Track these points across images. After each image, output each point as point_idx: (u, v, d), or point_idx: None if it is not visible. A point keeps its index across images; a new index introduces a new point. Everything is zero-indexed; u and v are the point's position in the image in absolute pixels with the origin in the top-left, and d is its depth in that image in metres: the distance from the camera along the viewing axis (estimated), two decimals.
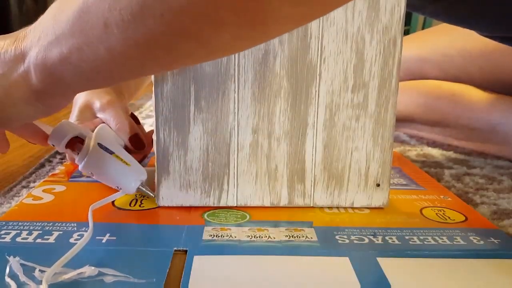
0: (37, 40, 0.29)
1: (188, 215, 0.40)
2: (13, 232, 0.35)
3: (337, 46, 0.39)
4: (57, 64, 0.29)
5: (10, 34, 0.33)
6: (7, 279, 0.28)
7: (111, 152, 0.40)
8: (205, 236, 0.36)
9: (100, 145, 0.40)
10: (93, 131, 0.43)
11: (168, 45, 0.25)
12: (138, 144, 0.47)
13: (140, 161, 0.46)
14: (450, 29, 0.77)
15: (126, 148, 0.46)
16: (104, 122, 0.47)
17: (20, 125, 0.37)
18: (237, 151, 0.40)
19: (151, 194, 0.42)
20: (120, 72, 0.29)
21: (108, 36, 0.25)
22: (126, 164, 0.40)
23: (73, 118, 0.49)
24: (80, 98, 0.50)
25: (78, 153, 0.41)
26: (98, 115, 0.48)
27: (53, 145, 0.41)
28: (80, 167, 0.40)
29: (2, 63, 0.31)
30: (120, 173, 0.40)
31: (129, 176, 0.40)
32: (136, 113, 0.96)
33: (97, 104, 0.49)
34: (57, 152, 0.61)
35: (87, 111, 0.49)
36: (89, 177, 0.48)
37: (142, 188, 0.41)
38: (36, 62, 0.30)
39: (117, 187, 0.41)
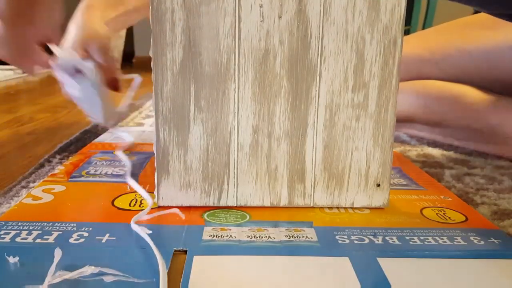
0: None
1: (188, 215, 0.40)
2: (13, 232, 0.35)
3: (337, 46, 0.39)
4: None
5: None
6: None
7: (96, 89, 0.52)
8: (205, 236, 0.36)
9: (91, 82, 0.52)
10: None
11: None
12: (115, 87, 0.59)
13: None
14: (449, 28, 0.77)
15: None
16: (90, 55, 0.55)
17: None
18: (237, 151, 0.40)
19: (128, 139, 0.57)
20: None
21: None
22: (103, 101, 0.51)
23: (67, 46, 0.55)
24: (72, 31, 0.56)
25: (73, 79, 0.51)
26: (88, 49, 0.55)
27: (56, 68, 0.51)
28: (71, 93, 0.52)
29: None
30: (96, 106, 0.53)
31: (102, 111, 0.50)
32: (136, 113, 0.96)
33: (90, 42, 0.55)
34: (56, 152, 0.61)
35: (78, 44, 0.55)
36: (89, 176, 0.48)
37: (116, 131, 0.54)
38: None
39: (92, 117, 0.55)
